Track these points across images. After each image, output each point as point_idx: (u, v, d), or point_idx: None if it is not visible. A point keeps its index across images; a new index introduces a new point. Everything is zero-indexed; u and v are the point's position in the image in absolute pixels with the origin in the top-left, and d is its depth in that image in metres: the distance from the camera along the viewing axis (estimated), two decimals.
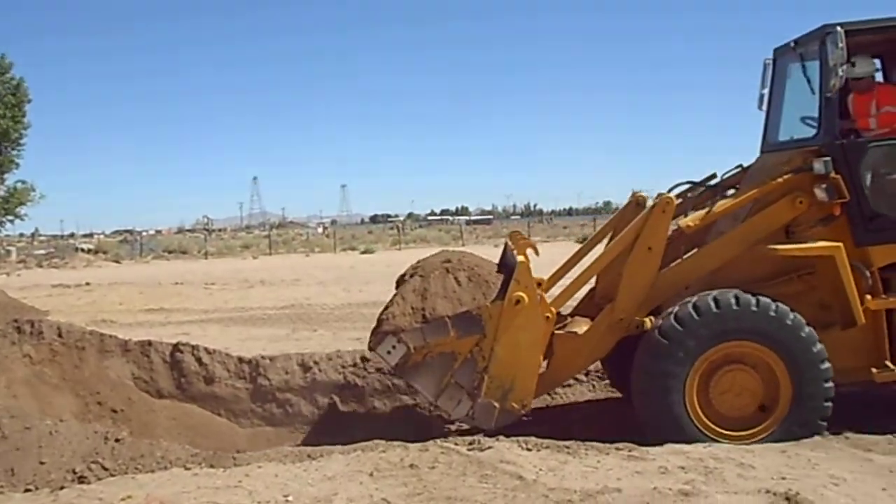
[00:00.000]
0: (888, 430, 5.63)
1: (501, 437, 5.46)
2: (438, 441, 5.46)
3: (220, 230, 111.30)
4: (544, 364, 6.03)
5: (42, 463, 5.08)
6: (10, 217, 33.93)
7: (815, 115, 6.15)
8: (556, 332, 6.11)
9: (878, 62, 6.59)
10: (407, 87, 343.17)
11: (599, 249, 6.65)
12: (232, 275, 27.80)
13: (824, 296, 5.93)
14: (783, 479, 4.53)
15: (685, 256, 6.14)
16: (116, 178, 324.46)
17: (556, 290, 6.47)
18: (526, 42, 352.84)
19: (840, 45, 5.62)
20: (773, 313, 5.52)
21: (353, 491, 4.52)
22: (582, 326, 6.24)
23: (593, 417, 7.00)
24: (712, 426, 5.57)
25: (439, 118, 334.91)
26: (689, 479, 4.53)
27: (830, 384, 5.52)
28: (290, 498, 4.43)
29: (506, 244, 7.06)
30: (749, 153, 7.11)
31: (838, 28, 5.68)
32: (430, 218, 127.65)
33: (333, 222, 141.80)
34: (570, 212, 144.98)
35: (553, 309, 5.97)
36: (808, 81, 6.33)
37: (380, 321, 6.13)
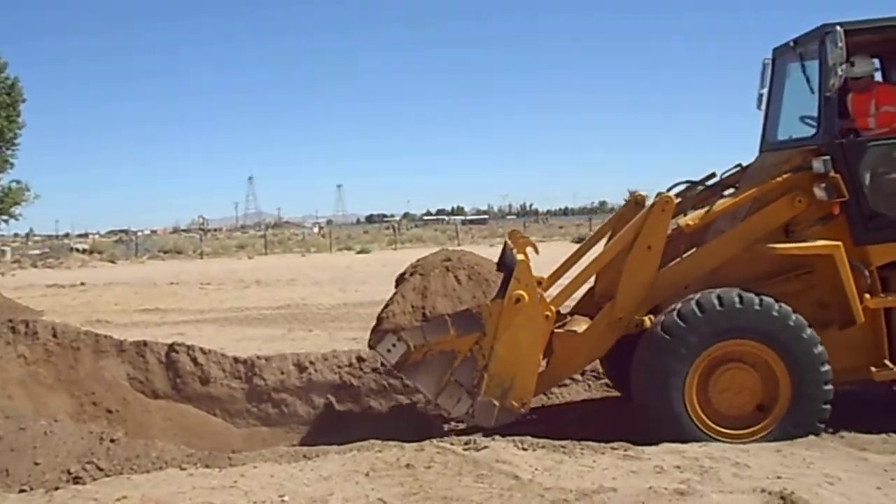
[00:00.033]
0: (883, 429, 5.64)
1: (497, 437, 5.45)
2: (434, 441, 5.46)
3: (215, 230, 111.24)
4: (544, 363, 6.04)
5: (37, 463, 5.06)
6: (5, 217, 33.71)
7: (815, 114, 6.16)
8: (556, 330, 6.11)
9: (877, 62, 6.61)
10: (406, 87, 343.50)
11: (599, 249, 6.67)
12: (227, 275, 27.76)
13: (823, 295, 5.94)
14: (778, 478, 4.53)
15: (684, 255, 6.14)
16: (112, 178, 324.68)
17: (554, 291, 6.47)
18: (525, 42, 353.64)
19: (839, 44, 5.64)
20: (775, 313, 5.53)
21: (349, 491, 4.51)
22: (581, 325, 6.25)
23: (589, 417, 7.00)
24: (711, 424, 5.57)
25: (435, 118, 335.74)
26: (685, 479, 4.53)
27: (830, 387, 5.54)
28: (285, 498, 4.42)
29: (505, 243, 7.07)
30: (748, 153, 7.15)
31: (837, 28, 5.70)
32: (425, 218, 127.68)
33: (329, 222, 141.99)
34: (565, 212, 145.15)
35: (553, 308, 5.98)
36: (808, 81, 6.35)
37: (380, 319, 6.13)
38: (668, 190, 6.24)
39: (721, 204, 6.15)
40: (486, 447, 5.17)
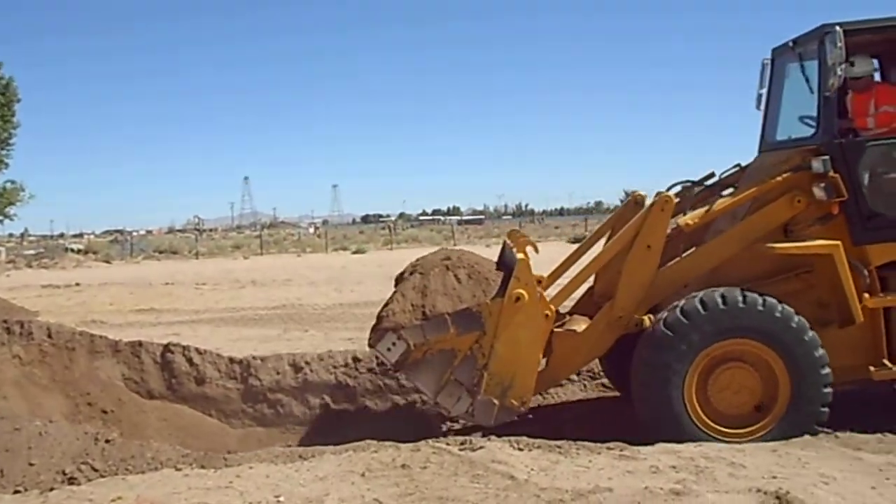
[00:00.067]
0: (878, 428, 5.65)
1: (493, 437, 5.46)
2: (430, 441, 5.46)
3: (211, 230, 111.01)
4: (543, 362, 6.04)
5: (32, 464, 5.05)
6: (0, 217, 33.76)
7: (814, 114, 6.18)
8: (556, 329, 6.12)
9: (875, 62, 6.62)
10: (406, 87, 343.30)
11: (598, 248, 6.68)
12: (223, 275, 27.72)
13: (822, 294, 5.96)
14: (774, 478, 4.54)
15: (684, 255, 6.16)
16: (107, 177, 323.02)
17: (554, 290, 6.47)
18: (524, 42, 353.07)
19: (839, 44, 5.66)
20: (778, 314, 5.55)
21: (345, 491, 4.51)
22: (580, 325, 6.26)
23: (585, 417, 7.01)
24: (709, 423, 5.59)
25: (432, 118, 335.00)
26: (681, 479, 4.54)
27: (829, 389, 5.55)
28: (281, 498, 4.42)
29: (504, 242, 7.08)
30: (747, 153, 7.17)
31: (837, 28, 5.72)
32: (421, 218, 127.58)
33: (325, 222, 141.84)
34: (561, 212, 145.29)
35: (552, 307, 5.98)
36: (807, 81, 6.38)
37: (380, 318, 6.15)
38: (668, 189, 6.26)
39: (720, 203, 6.16)
40: (481, 447, 5.18)
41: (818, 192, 5.84)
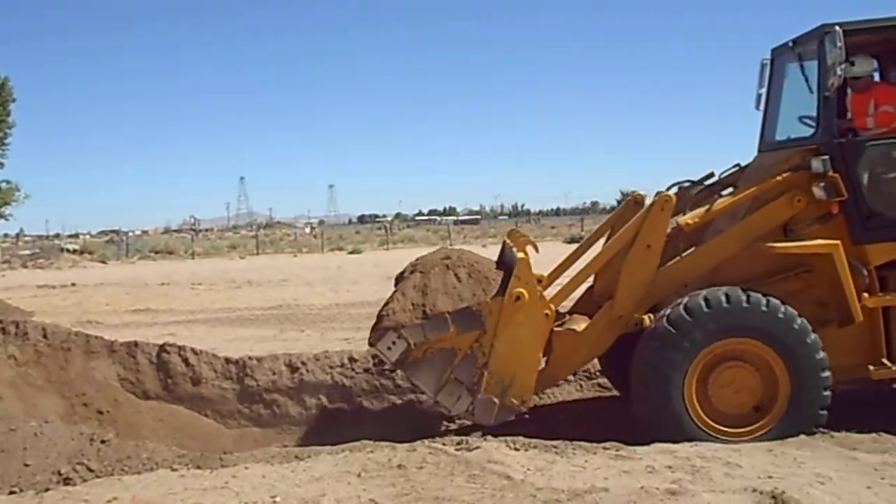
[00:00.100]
0: (874, 428, 5.66)
1: (489, 437, 5.47)
2: (426, 441, 5.46)
3: (206, 230, 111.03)
4: (543, 361, 6.05)
5: (27, 465, 5.04)
6: None
7: (814, 114, 6.20)
8: (556, 329, 6.12)
9: (875, 62, 6.63)
10: (405, 87, 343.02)
11: (598, 248, 6.68)
12: (219, 275, 27.68)
13: (822, 293, 5.97)
14: (769, 477, 4.55)
15: (684, 254, 6.16)
16: (103, 178, 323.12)
17: (554, 290, 6.46)
18: (524, 42, 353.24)
19: (838, 44, 5.67)
20: (781, 315, 5.56)
21: (341, 492, 4.51)
22: (580, 324, 6.26)
23: (581, 417, 7.02)
24: (708, 421, 5.59)
25: (428, 118, 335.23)
26: (677, 479, 4.54)
27: (829, 392, 5.56)
28: (277, 499, 4.42)
29: (504, 242, 7.09)
30: (746, 153, 7.19)
31: (836, 28, 5.73)
32: (417, 218, 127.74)
33: (321, 222, 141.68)
34: (557, 212, 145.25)
35: (552, 306, 5.99)
36: (807, 81, 6.39)
37: (380, 317, 6.14)
38: (668, 189, 6.27)
39: (720, 203, 6.17)
40: (477, 447, 5.18)
41: (818, 191, 5.86)
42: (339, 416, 7.52)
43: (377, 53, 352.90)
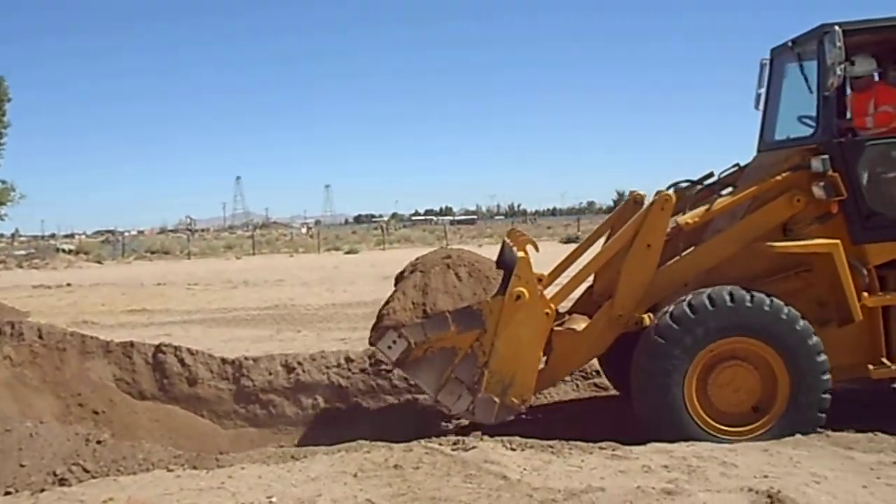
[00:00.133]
0: (869, 427, 5.67)
1: (486, 437, 5.47)
2: (422, 441, 5.46)
3: (203, 230, 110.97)
4: (543, 360, 6.05)
5: (22, 465, 5.03)
6: None
7: (813, 113, 6.21)
8: (556, 328, 6.12)
9: (875, 61, 6.64)
10: (405, 87, 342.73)
11: (597, 247, 6.68)
12: (215, 275, 27.66)
13: (822, 293, 5.98)
14: (765, 477, 4.56)
15: (683, 254, 6.18)
16: (98, 178, 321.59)
17: (554, 290, 6.46)
18: (522, 42, 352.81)
19: (838, 44, 5.69)
20: (784, 315, 5.57)
21: (338, 492, 4.50)
22: (580, 323, 6.27)
23: (577, 417, 7.02)
24: (708, 421, 5.60)
25: (425, 118, 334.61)
26: (673, 478, 4.55)
27: (828, 395, 5.57)
28: (273, 499, 4.41)
29: (504, 241, 7.08)
30: (745, 153, 7.21)
31: (836, 27, 5.74)
32: (414, 218, 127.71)
33: (317, 222, 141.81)
34: (553, 212, 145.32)
35: (553, 305, 5.99)
36: (806, 81, 6.41)
37: (380, 316, 6.13)
38: (667, 189, 6.27)
39: (720, 203, 6.18)
40: (474, 447, 5.18)
41: (817, 191, 5.87)
42: (336, 416, 7.52)
43: (377, 53, 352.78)
